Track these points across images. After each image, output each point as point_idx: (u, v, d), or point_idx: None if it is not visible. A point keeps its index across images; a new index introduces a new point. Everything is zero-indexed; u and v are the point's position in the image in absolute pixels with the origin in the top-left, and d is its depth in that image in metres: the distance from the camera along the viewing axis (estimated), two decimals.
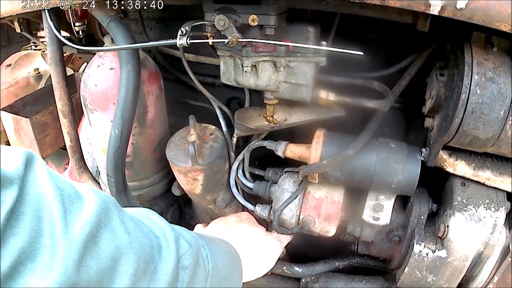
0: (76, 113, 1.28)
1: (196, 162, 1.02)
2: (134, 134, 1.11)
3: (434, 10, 0.73)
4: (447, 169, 1.00)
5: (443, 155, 1.00)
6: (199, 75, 1.15)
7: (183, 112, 1.17)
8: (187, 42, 0.87)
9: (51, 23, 1.13)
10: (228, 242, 0.94)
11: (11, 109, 1.69)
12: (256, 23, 0.83)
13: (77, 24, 1.27)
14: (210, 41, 0.87)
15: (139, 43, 1.04)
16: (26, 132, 1.54)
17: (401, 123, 1.21)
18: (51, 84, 1.73)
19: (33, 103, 1.69)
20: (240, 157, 1.15)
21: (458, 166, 1.00)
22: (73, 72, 1.69)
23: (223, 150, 1.11)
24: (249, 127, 1.00)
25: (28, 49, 2.08)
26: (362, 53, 0.76)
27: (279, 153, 1.03)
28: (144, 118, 1.10)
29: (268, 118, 0.99)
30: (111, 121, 1.06)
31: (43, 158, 1.59)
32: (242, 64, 0.91)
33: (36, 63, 1.86)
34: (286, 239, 1.15)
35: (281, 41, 0.87)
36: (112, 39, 1.09)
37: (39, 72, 1.76)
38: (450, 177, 1.04)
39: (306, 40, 0.89)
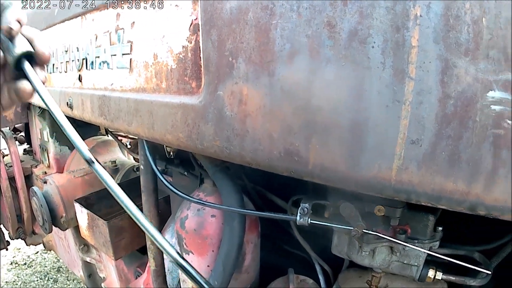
0: None
1: None
2: None
3: None
4: None
5: None
6: None
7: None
8: (308, 221, 0.86)
9: (148, 154, 1.17)
10: None
11: (86, 201, 1.71)
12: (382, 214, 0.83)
13: (168, 148, 1.29)
14: (333, 225, 0.86)
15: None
16: (102, 232, 1.54)
17: None
18: (128, 180, 1.77)
19: (108, 197, 1.70)
20: None
21: None
22: None
23: None
24: None
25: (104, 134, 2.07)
26: None
27: None
28: (241, 264, 1.10)
29: (372, 287, 0.97)
30: (208, 266, 1.07)
31: (116, 259, 1.61)
32: (360, 246, 0.89)
33: (113, 152, 1.84)
34: None
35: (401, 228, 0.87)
36: (213, 183, 1.11)
37: (116, 165, 1.74)
38: None
39: (425, 227, 0.87)
